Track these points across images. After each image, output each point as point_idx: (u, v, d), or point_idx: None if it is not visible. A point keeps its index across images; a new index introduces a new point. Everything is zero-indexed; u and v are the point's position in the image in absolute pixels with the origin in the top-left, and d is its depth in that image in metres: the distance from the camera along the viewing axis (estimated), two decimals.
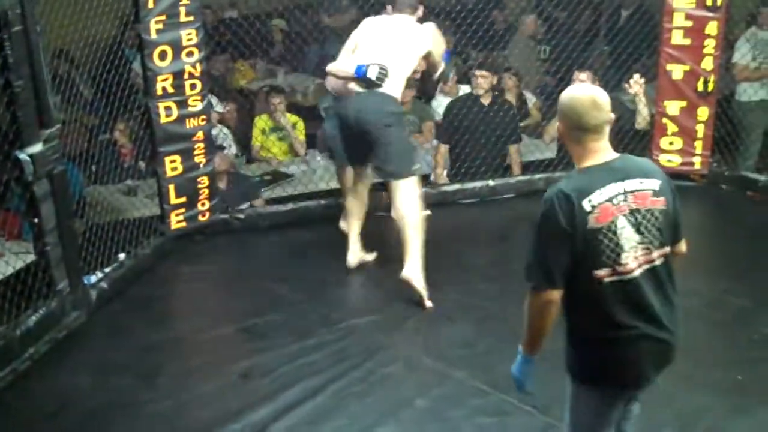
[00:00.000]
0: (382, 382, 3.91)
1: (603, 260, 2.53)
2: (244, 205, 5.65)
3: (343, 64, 4.62)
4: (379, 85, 4.45)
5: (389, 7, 4.82)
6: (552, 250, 2.54)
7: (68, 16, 4.63)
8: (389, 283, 4.75)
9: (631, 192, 2.58)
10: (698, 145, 5.83)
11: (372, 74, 4.44)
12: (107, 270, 4.78)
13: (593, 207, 2.53)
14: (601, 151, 2.61)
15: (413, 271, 4.46)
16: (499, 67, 6.51)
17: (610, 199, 2.55)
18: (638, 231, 2.56)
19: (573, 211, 2.51)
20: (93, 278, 4.65)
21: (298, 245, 5.33)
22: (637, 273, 2.55)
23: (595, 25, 7.48)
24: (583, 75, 5.94)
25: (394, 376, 3.96)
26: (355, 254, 4.93)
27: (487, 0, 6.89)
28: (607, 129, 2.62)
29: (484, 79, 6.04)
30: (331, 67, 4.70)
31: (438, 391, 3.81)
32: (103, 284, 4.68)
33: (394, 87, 4.52)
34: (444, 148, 6.16)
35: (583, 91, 2.66)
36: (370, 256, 4.98)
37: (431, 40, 4.70)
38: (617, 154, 2.65)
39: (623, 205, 2.56)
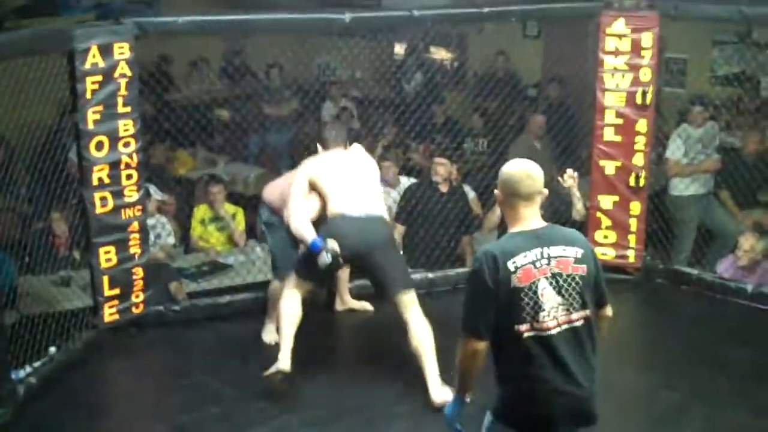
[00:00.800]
0: None
1: (523, 316, 2.78)
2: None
3: (304, 227, 4.58)
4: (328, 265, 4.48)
5: (324, 146, 4.92)
6: (478, 304, 2.82)
7: (4, 104, 4.60)
8: (322, 378, 4.71)
9: (555, 257, 2.83)
10: (632, 239, 5.95)
11: (323, 260, 4.45)
12: (36, 364, 4.63)
13: (516, 268, 2.78)
14: (531, 219, 2.89)
15: (438, 391, 4.34)
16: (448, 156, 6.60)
17: (533, 262, 2.80)
18: (559, 293, 2.81)
19: (498, 270, 2.77)
20: (21, 373, 4.50)
21: (234, 339, 5.24)
22: (554, 331, 2.80)
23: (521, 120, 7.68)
24: None
25: None
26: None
27: (426, 93, 7.09)
28: (538, 199, 2.90)
29: (443, 167, 6.15)
30: (294, 223, 4.63)
31: None
32: (32, 379, 4.53)
33: (382, 207, 4.73)
34: (401, 228, 6.19)
35: (520, 165, 2.93)
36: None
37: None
38: (546, 224, 2.92)
39: (545, 268, 2.81)
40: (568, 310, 2.81)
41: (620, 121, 5.83)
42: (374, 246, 4.52)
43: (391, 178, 6.82)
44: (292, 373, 4.63)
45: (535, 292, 2.78)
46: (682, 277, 5.99)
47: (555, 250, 2.82)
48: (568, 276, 2.82)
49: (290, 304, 4.60)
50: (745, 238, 5.84)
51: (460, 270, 6.08)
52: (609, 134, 5.87)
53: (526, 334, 2.78)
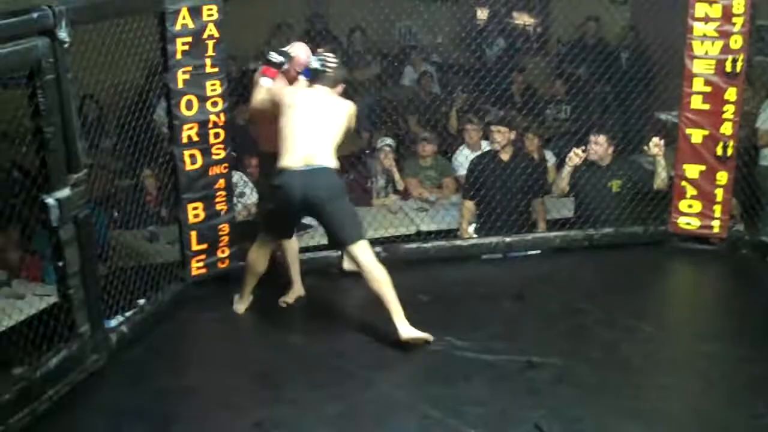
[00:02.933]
0: None
1: None
2: None
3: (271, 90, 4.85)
4: (325, 72, 4.74)
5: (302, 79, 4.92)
6: None
7: (98, 63, 4.74)
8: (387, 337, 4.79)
9: None
10: (717, 209, 5.85)
11: (317, 64, 4.74)
12: (128, 314, 4.81)
13: None
14: None
15: (405, 327, 4.59)
16: (517, 125, 6.57)
17: None
18: None
19: None
20: (113, 322, 4.69)
21: (313, 296, 5.34)
22: None
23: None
24: (600, 138, 6.02)
25: None
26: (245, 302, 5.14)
27: (506, 62, 7.04)
28: None
29: (499, 134, 6.12)
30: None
31: None
32: (124, 328, 4.72)
33: (332, 159, 4.65)
34: (469, 204, 6.20)
35: None
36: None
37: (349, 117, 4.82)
38: None
39: None
40: None
41: (708, 89, 5.71)
42: (318, 200, 4.55)
43: (473, 140, 6.84)
44: (376, 331, 4.73)
45: None
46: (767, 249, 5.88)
47: None
48: None
49: (256, 256, 4.89)
50: None
51: (537, 234, 6.09)
52: (697, 102, 5.75)
53: None
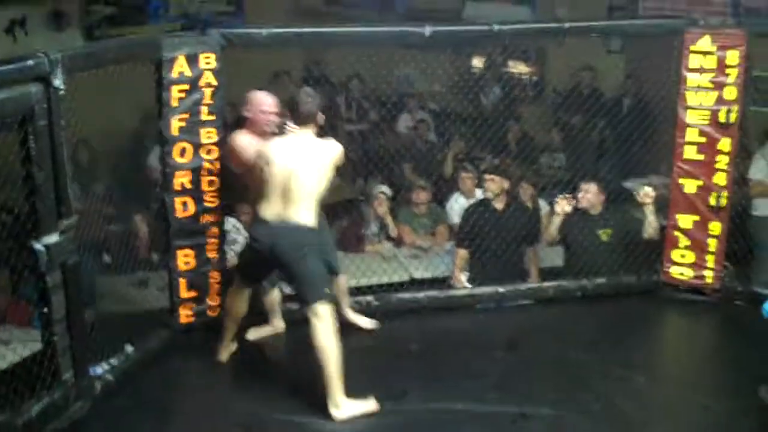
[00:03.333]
0: None
1: None
2: None
3: None
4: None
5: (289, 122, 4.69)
6: None
7: (93, 109, 4.75)
8: (395, 385, 4.74)
9: None
10: (710, 260, 5.82)
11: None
12: (113, 361, 4.76)
13: None
14: None
15: (338, 411, 4.42)
16: (512, 174, 6.58)
17: None
18: None
19: None
20: (99, 369, 4.63)
21: (303, 346, 5.27)
22: None
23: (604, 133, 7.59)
24: (591, 186, 6.02)
25: None
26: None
27: (502, 110, 7.08)
28: None
29: (493, 183, 6.11)
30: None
31: None
32: (109, 376, 4.66)
33: (309, 214, 4.48)
34: (463, 252, 6.18)
35: None
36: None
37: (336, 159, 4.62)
38: None
39: None
40: None
41: (703, 139, 5.71)
42: (283, 257, 4.48)
43: (468, 188, 6.84)
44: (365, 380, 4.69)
45: None
46: (761, 299, 5.82)
47: None
48: None
49: (233, 301, 4.89)
50: None
51: (530, 285, 6.06)
52: (690, 152, 5.76)
53: None
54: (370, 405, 4.47)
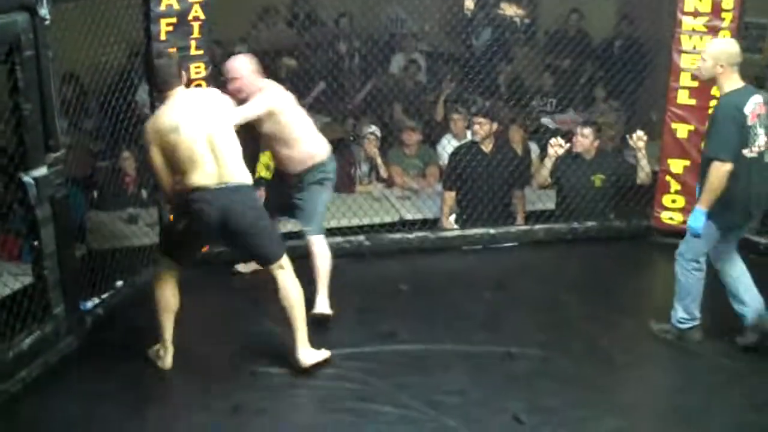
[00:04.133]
0: (375, 428, 3.89)
1: (748, 143, 4.28)
2: None
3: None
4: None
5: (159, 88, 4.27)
6: (731, 133, 4.25)
7: (80, 42, 4.67)
8: (384, 326, 4.77)
9: (757, 103, 4.30)
10: None
11: None
12: (104, 296, 4.76)
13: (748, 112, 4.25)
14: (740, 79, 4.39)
15: (306, 354, 4.30)
16: (501, 116, 6.54)
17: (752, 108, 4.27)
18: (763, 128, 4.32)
19: (742, 112, 4.27)
20: (89, 304, 4.63)
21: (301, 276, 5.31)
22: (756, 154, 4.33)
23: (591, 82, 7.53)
24: (587, 130, 5.99)
25: (388, 421, 3.94)
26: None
27: (495, 51, 7.01)
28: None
29: (480, 126, 6.07)
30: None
31: None
32: (99, 310, 4.67)
33: (245, 172, 4.16)
34: (449, 195, 6.16)
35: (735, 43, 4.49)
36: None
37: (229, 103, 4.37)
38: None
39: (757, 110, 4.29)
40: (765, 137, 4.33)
41: (695, 84, 5.67)
42: (239, 219, 4.06)
43: (459, 130, 6.80)
44: (354, 317, 4.70)
45: (755, 128, 4.29)
46: (750, 246, 5.85)
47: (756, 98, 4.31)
48: (764, 115, 4.33)
49: (162, 291, 4.29)
50: None
51: (521, 227, 6.07)
52: (683, 97, 5.73)
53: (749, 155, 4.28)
54: (325, 354, 4.37)
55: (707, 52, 4.46)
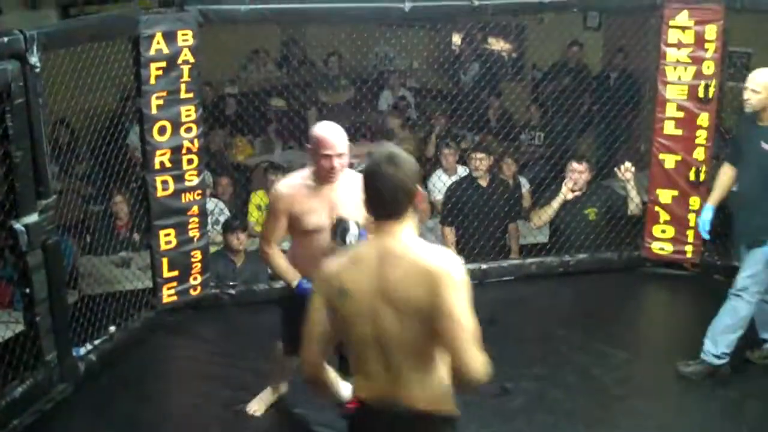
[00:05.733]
0: None
1: None
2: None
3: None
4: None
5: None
6: None
7: (70, 87, 4.71)
8: None
9: None
10: (690, 234, 5.86)
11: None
12: (97, 342, 4.75)
13: None
14: None
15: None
16: (493, 150, 6.59)
17: None
18: None
19: None
20: (82, 350, 4.62)
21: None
22: None
23: (589, 113, 7.59)
24: (582, 166, 6.01)
25: None
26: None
27: (483, 86, 7.07)
28: None
29: (481, 162, 6.11)
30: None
31: None
32: (92, 356, 4.65)
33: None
34: (449, 231, 6.18)
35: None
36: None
37: None
38: None
39: None
40: None
41: (681, 114, 5.74)
42: None
43: (450, 165, 6.83)
44: None
45: None
46: None
47: None
48: None
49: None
50: None
51: (513, 261, 6.08)
52: (669, 128, 5.78)
53: None
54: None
55: (759, 83, 4.45)
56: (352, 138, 7.02)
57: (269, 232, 3.80)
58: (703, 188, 5.79)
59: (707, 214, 4.88)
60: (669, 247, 5.91)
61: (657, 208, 5.89)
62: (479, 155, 6.14)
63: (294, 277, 3.77)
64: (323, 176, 3.64)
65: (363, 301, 2.52)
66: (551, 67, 8.13)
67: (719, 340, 4.55)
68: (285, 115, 8.13)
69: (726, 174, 4.87)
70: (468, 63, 9.00)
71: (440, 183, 6.74)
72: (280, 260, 3.85)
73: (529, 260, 6.05)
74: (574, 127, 7.36)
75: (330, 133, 3.64)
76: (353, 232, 3.49)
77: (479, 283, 5.88)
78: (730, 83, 7.93)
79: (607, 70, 7.92)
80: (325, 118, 7.97)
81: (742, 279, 4.56)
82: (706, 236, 4.89)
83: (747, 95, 4.52)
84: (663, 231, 5.91)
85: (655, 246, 5.93)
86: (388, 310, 2.51)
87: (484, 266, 5.95)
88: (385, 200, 2.50)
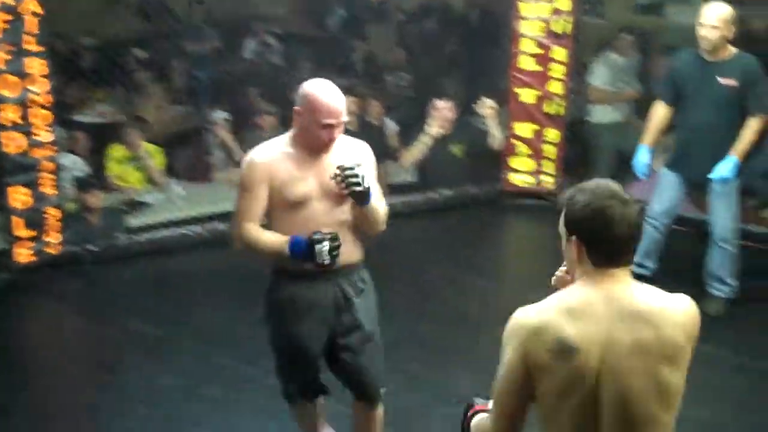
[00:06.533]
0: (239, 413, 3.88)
1: None
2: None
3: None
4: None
5: None
6: None
7: None
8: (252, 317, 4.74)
9: None
10: (549, 166, 6.03)
11: (322, 257, 2.89)
12: None
13: None
14: None
15: None
16: (359, 93, 6.58)
17: None
18: None
19: None
20: None
21: (155, 277, 5.23)
22: None
23: (453, 53, 7.67)
24: (444, 103, 6.07)
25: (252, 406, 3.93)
26: None
27: (347, 29, 7.05)
28: None
29: (351, 105, 6.09)
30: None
31: None
32: None
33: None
34: None
35: None
36: None
37: None
38: None
39: None
40: None
41: (538, 50, 5.86)
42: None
43: None
44: (219, 310, 4.66)
45: None
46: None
47: None
48: None
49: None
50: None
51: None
52: (526, 63, 5.91)
53: None
54: None
55: (717, 18, 4.29)
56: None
57: (244, 211, 2.97)
58: (560, 121, 5.96)
59: (644, 156, 4.67)
60: (529, 179, 6.07)
61: (516, 142, 6.04)
62: (350, 99, 6.11)
63: (282, 240, 2.92)
64: (316, 147, 2.99)
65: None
66: (414, 8, 8.15)
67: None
68: (147, 67, 7.90)
69: (660, 113, 4.68)
70: (336, 7, 8.93)
71: None
72: (259, 233, 2.98)
73: (396, 199, 6.11)
74: (439, 67, 7.44)
75: (332, 96, 2.95)
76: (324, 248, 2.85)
77: None
78: (585, 18, 8.16)
79: (468, 10, 8.00)
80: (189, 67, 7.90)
81: (725, 228, 4.58)
82: (645, 178, 4.72)
83: (705, 32, 4.33)
84: (523, 163, 6.06)
85: (516, 178, 6.09)
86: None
87: None
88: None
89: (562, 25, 5.82)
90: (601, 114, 6.61)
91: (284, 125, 6.98)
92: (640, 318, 1.94)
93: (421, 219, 6.00)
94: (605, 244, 1.99)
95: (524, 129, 5.98)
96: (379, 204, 3.10)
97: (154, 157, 6.37)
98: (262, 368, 4.11)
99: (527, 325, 2.01)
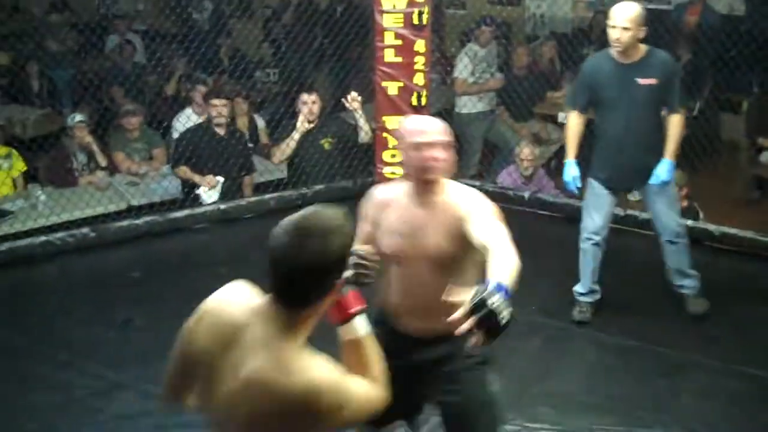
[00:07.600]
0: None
1: None
2: None
3: None
4: None
5: None
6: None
7: None
8: (121, 314, 4.67)
9: None
10: None
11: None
12: None
13: None
14: None
15: None
16: (227, 92, 6.51)
17: None
18: None
19: None
20: None
21: (18, 287, 5.07)
22: None
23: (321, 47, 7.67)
24: (310, 96, 6.06)
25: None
26: None
27: (215, 26, 6.95)
28: None
29: (223, 108, 5.99)
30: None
31: None
32: None
33: None
34: (184, 168, 6.03)
35: None
36: None
37: None
38: None
39: None
40: None
41: (399, 42, 5.92)
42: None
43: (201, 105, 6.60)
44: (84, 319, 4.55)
45: None
46: None
47: None
48: None
49: None
50: (522, 148, 6.18)
51: (251, 198, 6.10)
52: (390, 55, 5.96)
53: None
54: None
55: (628, 19, 4.16)
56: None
57: None
58: (425, 112, 6.05)
59: (572, 169, 4.50)
60: (399, 171, 6.12)
61: (385, 134, 6.10)
62: (221, 101, 6.01)
63: None
64: (422, 177, 2.77)
65: None
66: (279, 3, 8.13)
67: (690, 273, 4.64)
68: (8, 71, 7.59)
69: (576, 123, 4.52)
70: (203, 2, 8.80)
71: (190, 123, 6.46)
72: None
73: (268, 196, 6.10)
74: (307, 62, 7.44)
75: (419, 120, 2.89)
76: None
77: (212, 224, 5.89)
78: (450, 10, 8.36)
79: (334, 3, 8.02)
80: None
81: (674, 223, 4.54)
82: (576, 191, 4.61)
83: (617, 34, 4.18)
84: (393, 155, 6.12)
85: (387, 171, 6.15)
86: None
87: (222, 206, 5.93)
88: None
89: (421, 17, 5.88)
90: (469, 105, 6.79)
91: (150, 125, 6.88)
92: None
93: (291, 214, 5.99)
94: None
95: (392, 121, 6.04)
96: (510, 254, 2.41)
97: (12, 160, 6.12)
98: (132, 374, 4.11)
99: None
